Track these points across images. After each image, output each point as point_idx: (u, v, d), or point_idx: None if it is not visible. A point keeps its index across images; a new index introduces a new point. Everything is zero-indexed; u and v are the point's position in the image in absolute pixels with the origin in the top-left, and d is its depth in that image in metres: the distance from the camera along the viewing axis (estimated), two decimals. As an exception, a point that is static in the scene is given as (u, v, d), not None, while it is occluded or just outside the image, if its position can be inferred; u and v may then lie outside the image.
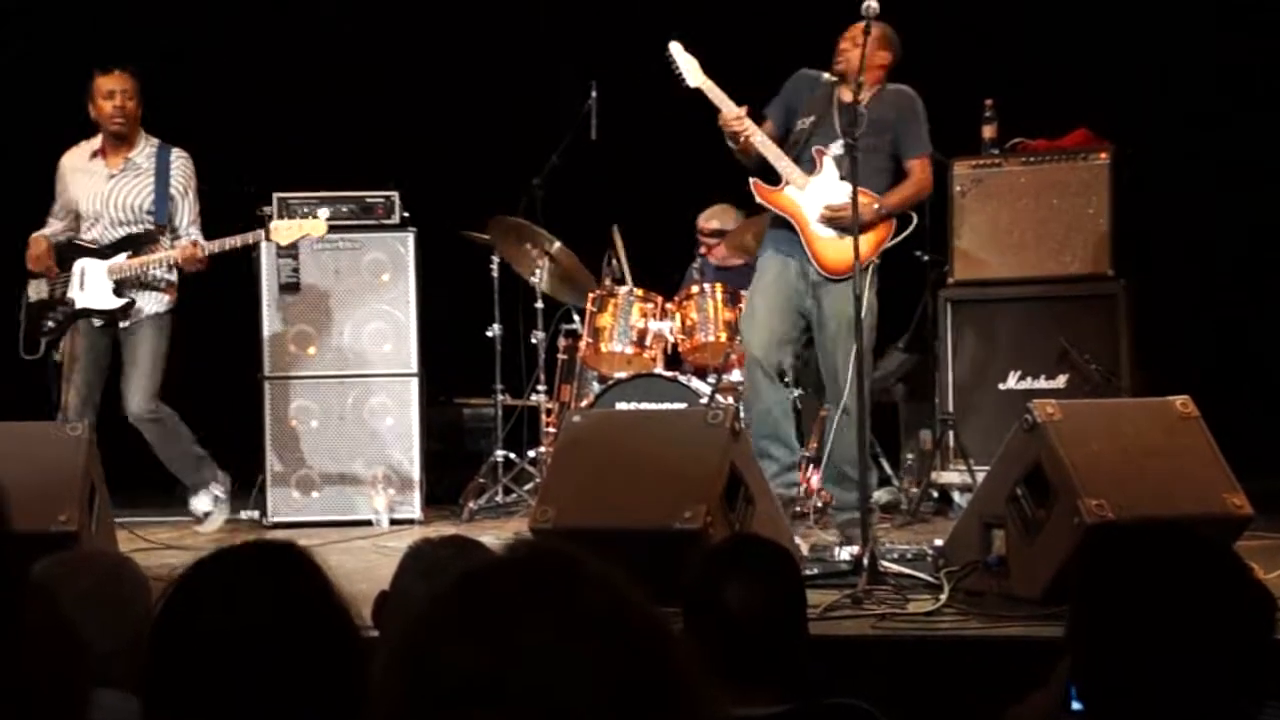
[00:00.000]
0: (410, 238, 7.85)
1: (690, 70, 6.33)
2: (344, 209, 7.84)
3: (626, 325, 7.69)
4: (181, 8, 9.46)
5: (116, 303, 6.99)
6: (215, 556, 1.94)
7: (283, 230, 7.10)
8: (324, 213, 7.38)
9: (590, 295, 7.84)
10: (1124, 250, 7.39)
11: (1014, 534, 4.98)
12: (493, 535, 6.87)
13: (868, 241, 6.11)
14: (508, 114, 9.27)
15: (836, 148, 6.29)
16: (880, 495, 7.62)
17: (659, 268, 8.37)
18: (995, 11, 8.67)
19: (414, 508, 7.74)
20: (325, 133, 9.36)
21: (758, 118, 6.38)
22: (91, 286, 6.99)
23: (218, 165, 7.56)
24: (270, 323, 7.84)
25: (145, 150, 7.09)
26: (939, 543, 5.49)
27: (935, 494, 7.63)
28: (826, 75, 6.39)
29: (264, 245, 7.70)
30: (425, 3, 9.66)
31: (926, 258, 7.79)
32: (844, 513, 6.27)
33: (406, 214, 7.88)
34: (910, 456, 8.07)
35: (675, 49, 6.38)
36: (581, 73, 8.21)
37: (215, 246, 6.98)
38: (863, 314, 5.71)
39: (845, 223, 6.06)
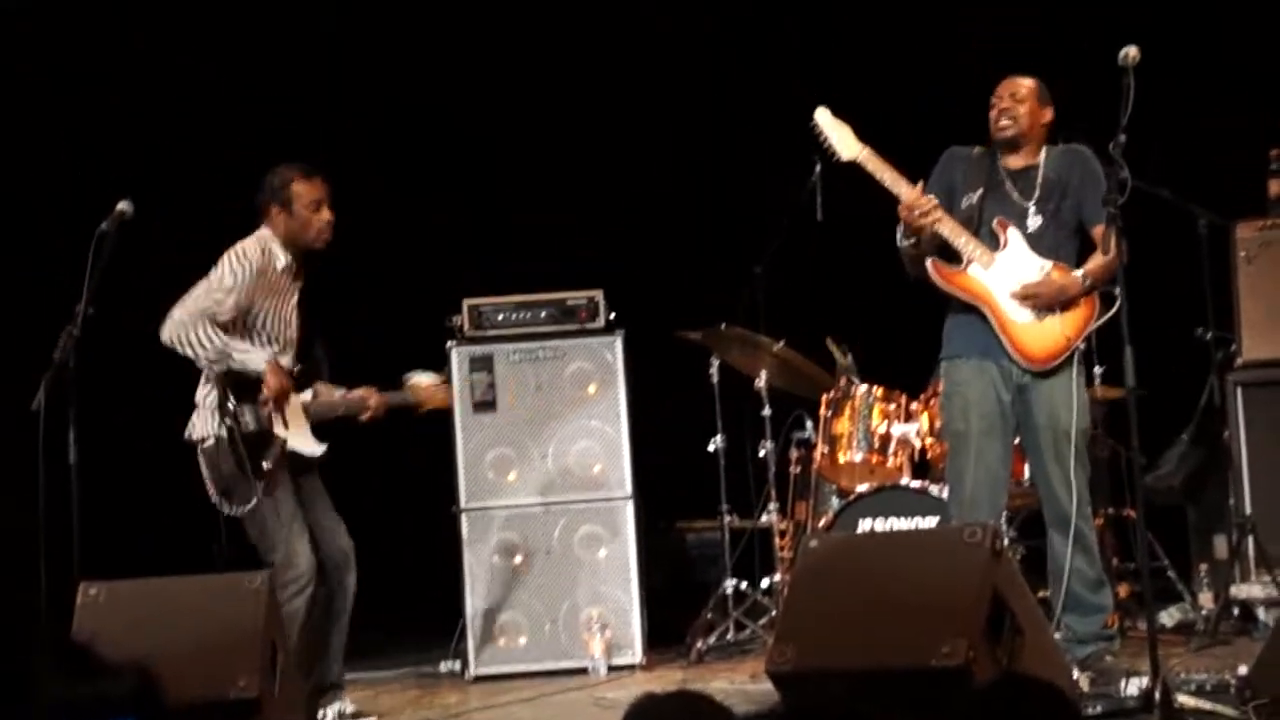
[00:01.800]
0: (618, 342, 7.95)
1: (844, 142, 6.34)
2: (542, 314, 7.99)
3: (866, 430, 7.77)
4: (356, 96, 9.80)
5: (319, 449, 6.66)
6: None
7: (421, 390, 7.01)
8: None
9: (824, 398, 7.92)
10: None
11: (1334, 658, 4.92)
12: (725, 679, 6.98)
13: (1072, 322, 6.28)
14: (718, 197, 9.35)
15: (1020, 218, 6.35)
16: (1171, 614, 7.61)
17: (901, 362, 8.35)
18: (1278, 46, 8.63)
19: (635, 651, 7.78)
20: (516, 230, 9.56)
21: None
22: (294, 425, 6.59)
23: (399, 268, 7.69)
24: (465, 447, 7.94)
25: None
26: (1243, 670, 5.40)
27: (1235, 611, 7.55)
28: (977, 149, 6.48)
29: (454, 356, 7.91)
30: (623, 81, 9.80)
31: (1210, 335, 7.76)
32: (1086, 645, 6.25)
33: (613, 315, 7.97)
34: (1204, 568, 7.98)
35: (823, 117, 6.39)
36: (802, 147, 8.31)
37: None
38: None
39: (1045, 302, 6.27)
